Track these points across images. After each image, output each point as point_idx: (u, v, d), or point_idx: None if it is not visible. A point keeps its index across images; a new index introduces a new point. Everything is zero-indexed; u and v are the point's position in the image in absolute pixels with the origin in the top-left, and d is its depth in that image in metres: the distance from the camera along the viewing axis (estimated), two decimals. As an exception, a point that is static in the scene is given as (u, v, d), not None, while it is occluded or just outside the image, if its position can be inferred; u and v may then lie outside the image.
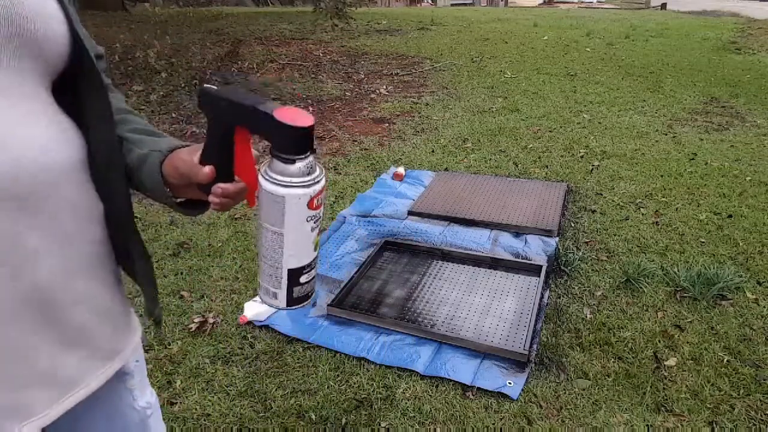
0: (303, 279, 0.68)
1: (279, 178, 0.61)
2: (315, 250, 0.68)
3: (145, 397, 0.87)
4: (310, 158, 0.63)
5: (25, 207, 0.60)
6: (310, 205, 0.63)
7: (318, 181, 0.63)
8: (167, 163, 0.73)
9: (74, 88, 0.69)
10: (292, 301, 0.69)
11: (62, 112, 0.67)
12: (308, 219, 0.64)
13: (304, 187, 0.62)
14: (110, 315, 0.76)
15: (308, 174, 0.62)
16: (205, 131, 0.69)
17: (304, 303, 0.70)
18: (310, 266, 0.68)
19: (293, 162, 0.61)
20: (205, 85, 0.66)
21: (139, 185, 0.78)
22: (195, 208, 0.80)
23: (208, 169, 0.67)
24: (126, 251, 0.77)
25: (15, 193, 0.59)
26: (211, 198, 0.69)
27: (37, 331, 0.64)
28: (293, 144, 0.61)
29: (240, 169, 0.68)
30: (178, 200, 0.78)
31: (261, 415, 1.83)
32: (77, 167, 0.67)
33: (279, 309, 0.70)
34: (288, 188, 0.61)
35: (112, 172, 0.72)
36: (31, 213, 0.61)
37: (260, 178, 0.63)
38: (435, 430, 1.77)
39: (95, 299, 0.72)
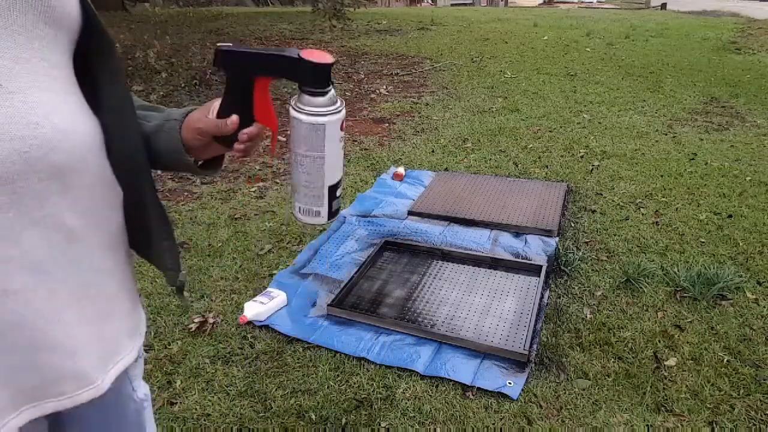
0: (338, 192, 0.79)
1: (316, 109, 0.71)
2: (343, 165, 0.79)
3: (143, 388, 0.88)
4: (332, 89, 0.73)
5: (59, 179, 0.62)
6: (341, 127, 0.74)
7: (343, 106, 0.74)
8: (184, 129, 0.77)
9: (90, 69, 0.70)
10: (331, 215, 0.80)
11: (79, 90, 0.69)
12: (340, 139, 0.75)
13: (336, 113, 0.73)
14: (130, 291, 0.80)
15: (336, 102, 0.73)
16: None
17: (338, 215, 0.83)
18: (341, 181, 0.80)
19: (324, 94, 0.71)
20: (220, 44, 0.73)
21: (155, 157, 0.80)
22: (210, 169, 0.85)
23: (234, 118, 0.74)
24: (145, 235, 0.80)
25: (50, 163, 0.61)
26: (236, 146, 0.76)
27: (77, 301, 0.68)
28: (323, 78, 0.71)
29: (261, 115, 0.76)
30: (199, 162, 0.83)
31: (261, 415, 1.83)
32: (99, 145, 0.69)
33: (321, 224, 0.84)
34: (326, 116, 0.72)
35: (131, 156, 0.75)
36: (65, 186, 0.63)
37: (297, 114, 0.72)
38: (435, 430, 1.77)
39: (119, 274, 0.76)
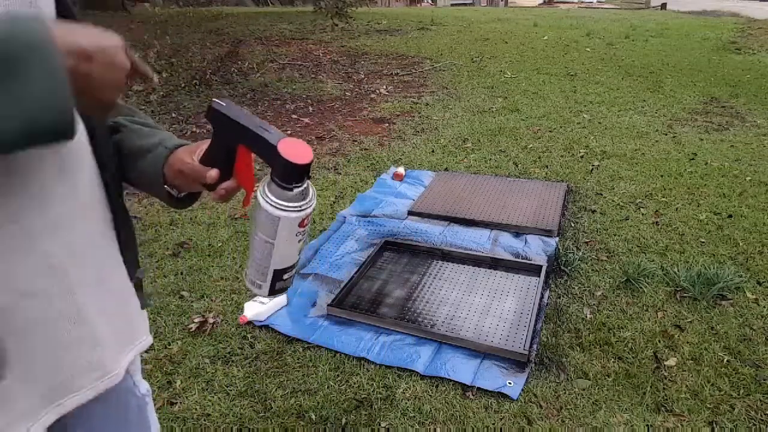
0: (285, 276, 0.77)
1: (276, 201, 0.68)
2: (299, 254, 0.76)
3: (144, 384, 0.89)
4: (306, 184, 0.69)
5: (68, 177, 0.63)
6: (300, 225, 0.71)
7: (310, 205, 0.70)
8: (168, 163, 0.77)
9: None
10: (273, 292, 0.77)
11: None
12: (297, 234, 0.72)
13: (297, 210, 0.69)
14: (128, 284, 0.81)
15: (302, 199, 0.69)
16: (206, 131, 0.72)
17: (283, 293, 0.80)
18: (292, 267, 0.77)
19: (291, 190, 0.68)
20: (214, 100, 0.70)
21: (136, 175, 0.80)
22: (184, 202, 0.84)
23: (213, 172, 0.72)
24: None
25: (61, 161, 0.62)
26: (212, 195, 0.75)
27: (94, 294, 0.69)
28: (292, 177, 0.67)
29: (240, 176, 0.74)
30: (179, 195, 0.82)
31: (261, 415, 1.83)
32: (87, 140, 0.70)
33: (260, 295, 0.79)
34: (284, 211, 0.68)
35: (108, 148, 0.76)
36: (73, 184, 0.65)
37: (259, 196, 0.69)
38: (435, 430, 1.77)
39: (120, 264, 0.78)
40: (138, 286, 0.88)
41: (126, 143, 0.79)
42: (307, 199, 0.70)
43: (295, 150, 0.66)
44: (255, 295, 2.39)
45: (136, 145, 0.79)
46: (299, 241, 0.73)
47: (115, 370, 0.75)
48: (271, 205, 0.68)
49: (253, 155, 0.72)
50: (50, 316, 0.64)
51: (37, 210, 0.61)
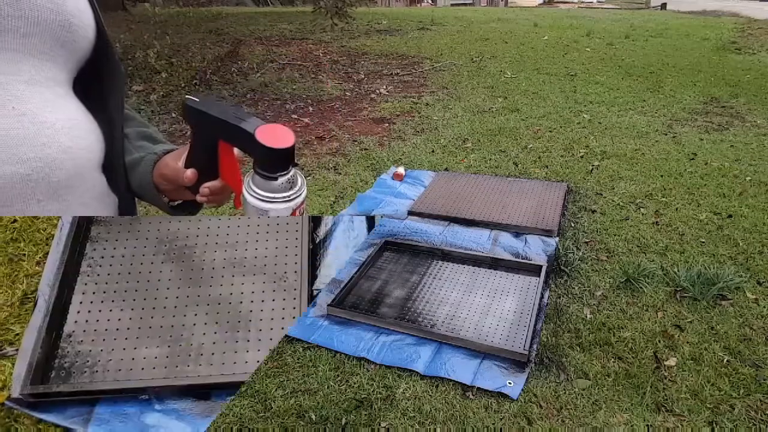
0: None
1: (262, 193, 0.64)
2: None
3: None
4: (292, 172, 0.64)
5: (56, 199, 0.62)
6: (291, 215, 0.66)
7: (299, 195, 0.65)
8: (155, 169, 0.76)
9: (99, 81, 0.71)
10: None
11: (81, 103, 0.69)
12: None
13: (285, 201, 0.64)
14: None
15: (290, 189, 0.64)
16: None
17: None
18: None
19: (275, 179, 0.63)
20: (187, 97, 0.67)
21: (134, 187, 0.80)
22: (187, 210, 0.83)
23: (189, 172, 0.70)
24: None
25: (50, 184, 0.60)
26: (199, 197, 0.73)
27: None
28: (274, 164, 0.63)
29: (225, 174, 0.70)
30: (176, 203, 0.81)
31: (261, 415, 1.83)
32: (97, 159, 0.69)
33: None
34: (271, 203, 0.64)
35: (121, 164, 0.76)
36: (63, 207, 0.63)
37: (244, 191, 0.65)
38: (435, 430, 1.77)
39: None
40: None
41: (126, 156, 0.80)
42: (296, 189, 0.65)
43: (274, 135, 0.61)
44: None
45: (132, 157, 0.79)
46: None
47: None
48: (257, 198, 0.64)
49: (237, 151, 0.68)
50: None
51: None
